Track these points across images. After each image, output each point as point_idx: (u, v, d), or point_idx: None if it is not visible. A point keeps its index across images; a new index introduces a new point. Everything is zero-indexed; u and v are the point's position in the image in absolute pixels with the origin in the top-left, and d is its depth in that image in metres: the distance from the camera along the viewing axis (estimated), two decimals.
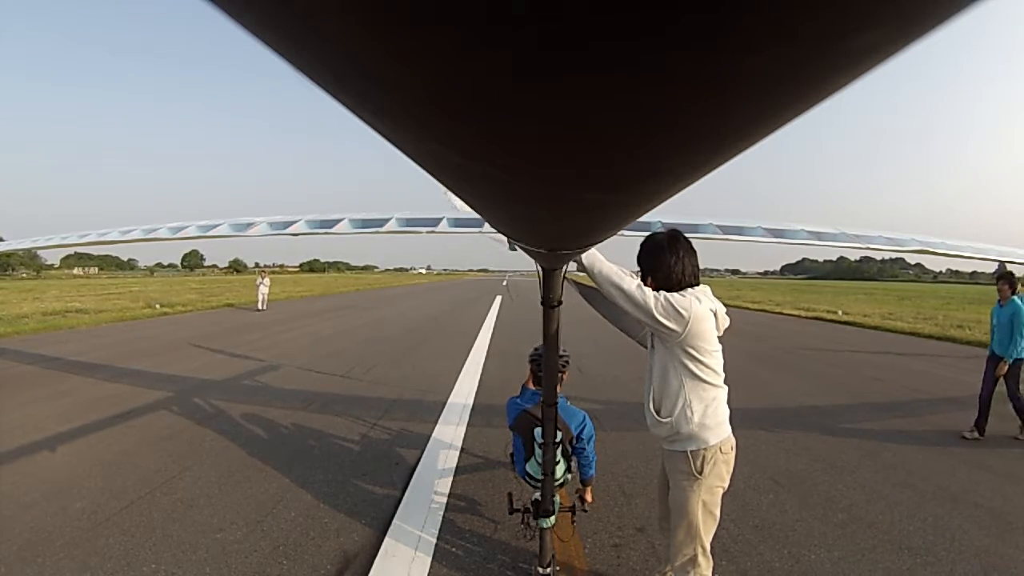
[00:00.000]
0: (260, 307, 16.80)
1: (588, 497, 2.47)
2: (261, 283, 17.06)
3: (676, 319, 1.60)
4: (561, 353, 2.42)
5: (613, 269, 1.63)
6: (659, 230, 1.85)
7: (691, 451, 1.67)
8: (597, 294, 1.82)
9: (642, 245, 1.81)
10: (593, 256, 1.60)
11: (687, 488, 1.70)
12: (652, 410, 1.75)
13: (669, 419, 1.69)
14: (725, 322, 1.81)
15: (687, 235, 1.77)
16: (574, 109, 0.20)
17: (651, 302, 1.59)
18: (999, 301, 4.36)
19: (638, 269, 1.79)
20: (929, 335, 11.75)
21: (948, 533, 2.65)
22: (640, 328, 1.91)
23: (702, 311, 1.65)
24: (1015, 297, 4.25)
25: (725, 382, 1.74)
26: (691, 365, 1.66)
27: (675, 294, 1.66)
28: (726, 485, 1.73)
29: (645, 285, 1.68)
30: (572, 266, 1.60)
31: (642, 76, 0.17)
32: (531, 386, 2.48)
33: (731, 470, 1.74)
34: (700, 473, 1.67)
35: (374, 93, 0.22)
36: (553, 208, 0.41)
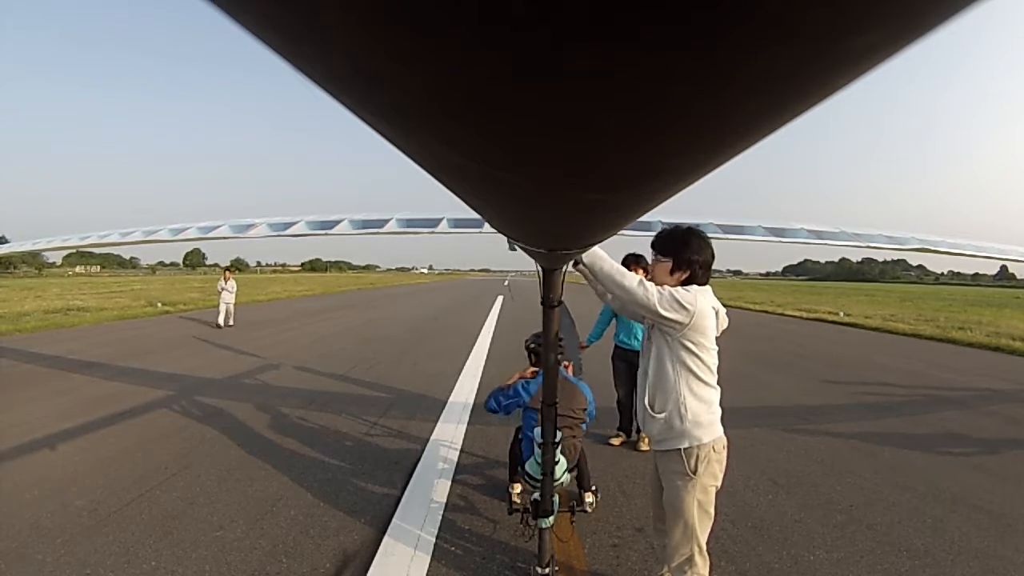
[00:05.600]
0: (220, 322, 11.35)
1: (589, 499, 2.48)
2: (224, 288, 11.66)
3: (680, 311, 1.62)
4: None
5: (615, 267, 1.64)
6: (660, 229, 1.85)
7: (684, 449, 1.68)
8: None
9: (670, 234, 1.78)
10: (594, 254, 1.61)
11: (682, 488, 1.71)
12: (647, 404, 1.76)
13: (663, 414, 1.70)
14: (724, 323, 1.82)
15: None
16: (574, 109, 0.20)
17: (654, 297, 1.61)
18: None
19: (654, 254, 1.77)
20: (930, 336, 11.73)
21: (947, 535, 2.65)
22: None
23: (705, 307, 1.67)
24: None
25: (718, 383, 1.75)
26: (689, 360, 1.67)
27: (679, 288, 1.68)
28: (719, 483, 1.75)
29: (670, 270, 1.72)
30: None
31: (642, 76, 0.18)
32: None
33: (723, 469, 1.75)
34: (694, 472, 1.68)
35: (374, 93, 0.22)
36: (553, 208, 0.41)
